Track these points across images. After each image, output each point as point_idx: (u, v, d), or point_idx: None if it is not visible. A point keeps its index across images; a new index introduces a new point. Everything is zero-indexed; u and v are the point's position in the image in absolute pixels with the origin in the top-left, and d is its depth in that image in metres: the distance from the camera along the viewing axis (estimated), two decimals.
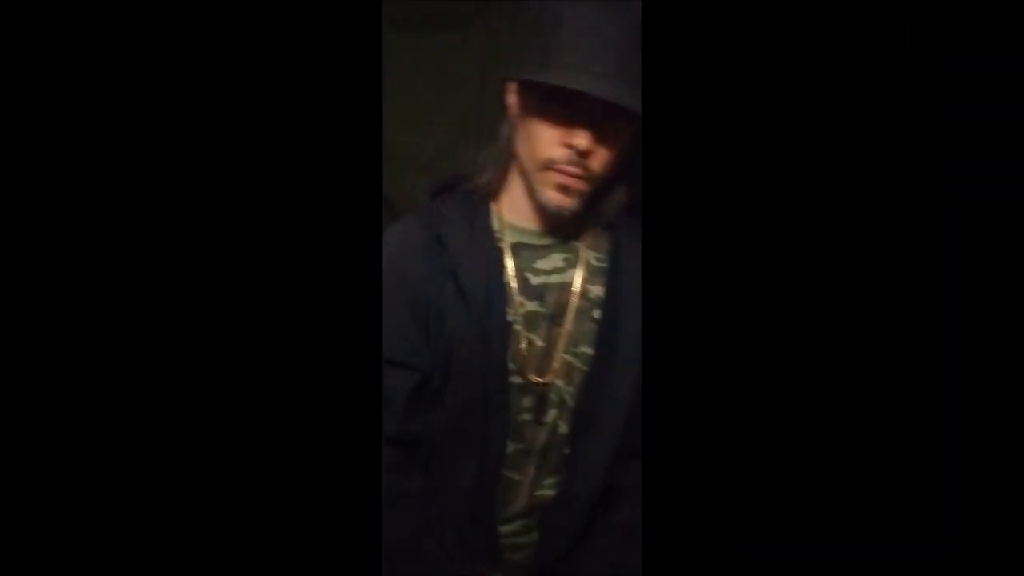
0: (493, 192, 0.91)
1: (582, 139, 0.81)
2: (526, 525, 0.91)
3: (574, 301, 0.89)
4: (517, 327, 0.88)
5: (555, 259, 0.90)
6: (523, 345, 0.87)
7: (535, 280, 0.89)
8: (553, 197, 0.85)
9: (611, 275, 0.91)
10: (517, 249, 0.90)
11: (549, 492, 0.91)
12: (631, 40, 0.80)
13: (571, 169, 0.83)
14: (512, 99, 0.87)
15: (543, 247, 0.91)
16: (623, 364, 0.88)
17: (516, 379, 0.88)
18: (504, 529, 0.90)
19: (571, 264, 0.90)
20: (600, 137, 0.82)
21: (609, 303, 0.90)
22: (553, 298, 0.89)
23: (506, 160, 0.90)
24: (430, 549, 0.88)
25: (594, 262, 0.91)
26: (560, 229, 0.90)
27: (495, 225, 0.91)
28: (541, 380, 0.88)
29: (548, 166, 0.84)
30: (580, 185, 0.84)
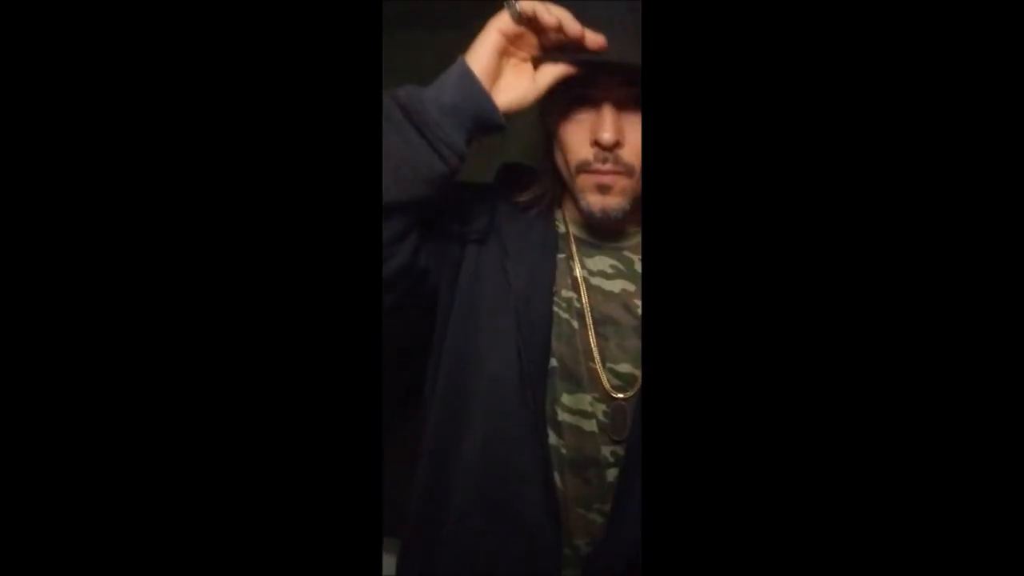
0: (550, 203, 0.90)
1: (606, 132, 0.78)
2: (567, 557, 0.84)
3: (617, 312, 0.86)
4: (558, 311, 0.86)
5: (601, 262, 0.88)
6: (554, 329, 0.85)
7: (576, 272, 0.87)
8: (594, 201, 0.82)
9: None
10: (568, 242, 0.89)
11: (594, 518, 0.84)
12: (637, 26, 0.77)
13: (605, 167, 0.80)
14: (547, 112, 0.85)
15: (592, 244, 0.89)
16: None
17: (554, 363, 0.85)
18: None
19: (620, 274, 0.88)
20: (628, 127, 0.80)
21: None
22: (589, 300, 0.86)
23: (550, 175, 0.88)
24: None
25: None
26: (614, 234, 0.88)
27: (558, 219, 0.90)
28: (617, 394, 0.84)
29: (582, 169, 0.82)
30: (620, 182, 0.81)
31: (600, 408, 0.85)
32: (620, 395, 0.84)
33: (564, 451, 0.85)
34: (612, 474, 0.84)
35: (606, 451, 0.84)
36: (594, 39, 0.76)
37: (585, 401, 0.85)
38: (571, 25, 0.75)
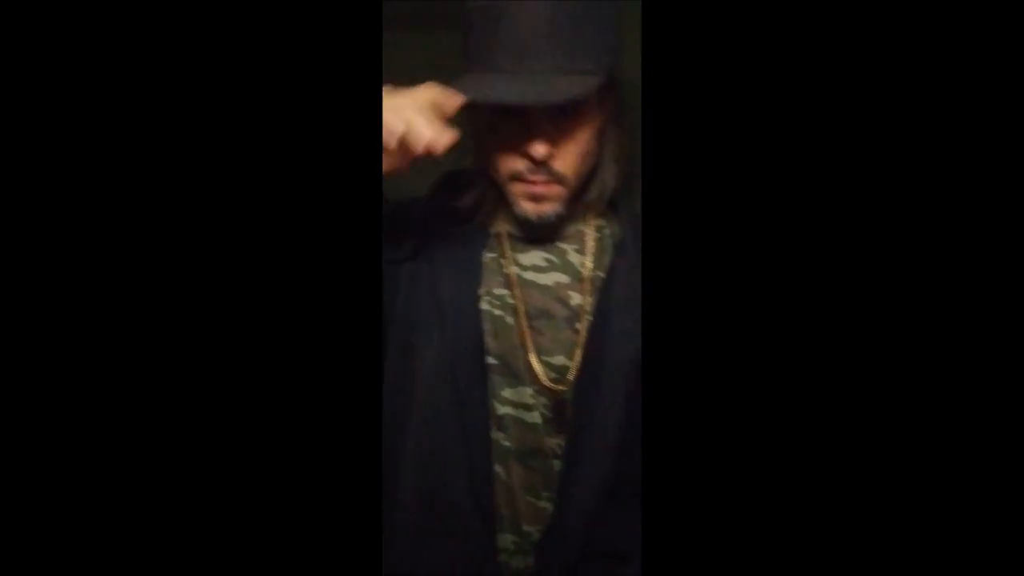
0: (485, 206, 0.89)
1: (538, 148, 0.78)
2: (517, 544, 0.86)
3: (551, 305, 0.86)
4: (486, 308, 0.86)
5: (535, 256, 0.88)
6: (489, 327, 0.85)
7: (508, 269, 0.87)
8: (528, 208, 0.82)
9: (604, 289, 0.86)
10: (502, 238, 0.88)
11: (544, 505, 0.86)
12: (578, 16, 0.75)
13: (537, 179, 0.80)
14: (476, 120, 0.83)
15: (527, 240, 0.88)
16: (609, 389, 0.84)
17: (493, 360, 0.86)
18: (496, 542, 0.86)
19: (553, 267, 0.88)
20: (560, 137, 0.79)
21: (598, 318, 0.85)
22: (524, 295, 0.86)
23: (483, 176, 0.87)
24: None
25: (581, 269, 0.88)
26: (552, 230, 0.88)
27: (491, 221, 0.89)
28: (557, 386, 0.84)
29: (515, 179, 0.81)
30: (553, 190, 0.81)
31: (541, 400, 0.85)
32: (558, 387, 0.85)
33: (507, 443, 0.86)
34: (558, 464, 0.85)
35: (551, 442, 0.85)
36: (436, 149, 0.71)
37: (526, 394, 0.85)
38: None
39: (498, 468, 0.85)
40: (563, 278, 0.87)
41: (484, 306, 0.86)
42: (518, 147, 0.79)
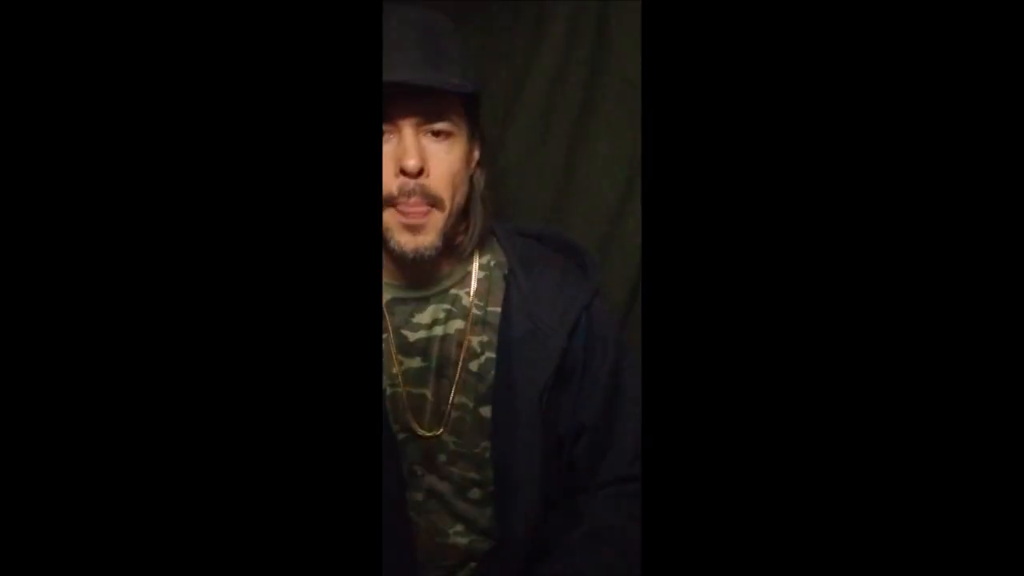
0: None
1: (410, 159, 0.78)
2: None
3: (456, 352, 0.88)
4: (398, 388, 0.87)
5: (434, 311, 0.88)
6: (396, 406, 0.87)
7: (414, 336, 0.88)
8: (404, 241, 0.81)
9: (503, 322, 0.88)
10: (393, 306, 0.88)
11: (478, 545, 0.90)
12: (443, 31, 0.81)
13: (412, 202, 0.80)
14: None
15: (419, 299, 0.88)
16: (526, 414, 0.86)
17: (402, 435, 0.88)
18: None
19: (451, 315, 0.89)
20: (433, 156, 0.80)
21: (502, 352, 0.87)
22: (436, 351, 0.88)
23: None
24: None
25: (475, 311, 0.89)
26: (434, 278, 0.89)
27: None
28: (428, 433, 0.88)
29: (389, 204, 0.81)
30: (429, 219, 0.81)
31: (450, 440, 0.88)
32: (430, 434, 0.88)
33: (418, 498, 0.89)
34: (476, 493, 0.89)
35: (450, 472, 0.89)
36: None
37: (435, 448, 0.88)
38: None
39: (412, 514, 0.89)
40: (461, 323, 0.89)
41: (388, 391, 0.88)
42: (392, 167, 0.80)
